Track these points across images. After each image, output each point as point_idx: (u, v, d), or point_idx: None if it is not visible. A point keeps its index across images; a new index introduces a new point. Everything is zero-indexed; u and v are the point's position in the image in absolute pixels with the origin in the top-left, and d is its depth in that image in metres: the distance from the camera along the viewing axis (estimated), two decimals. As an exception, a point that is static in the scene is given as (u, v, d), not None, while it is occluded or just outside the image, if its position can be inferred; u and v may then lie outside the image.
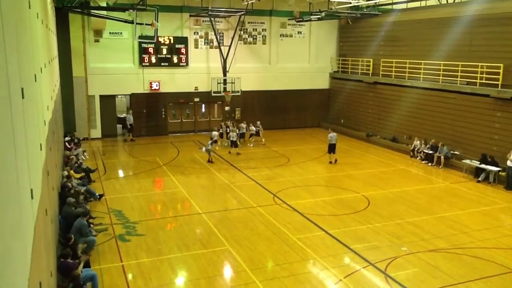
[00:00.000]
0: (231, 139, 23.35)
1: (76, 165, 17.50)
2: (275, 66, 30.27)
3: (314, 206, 15.89)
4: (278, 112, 30.45)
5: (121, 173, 20.43)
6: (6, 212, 3.24)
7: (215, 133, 23.53)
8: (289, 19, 29.62)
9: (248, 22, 28.99)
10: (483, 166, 19.25)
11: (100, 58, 25.94)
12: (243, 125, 25.73)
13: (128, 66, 26.83)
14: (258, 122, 26.00)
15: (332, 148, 21.78)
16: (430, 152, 21.98)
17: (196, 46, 28.22)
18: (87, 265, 10.38)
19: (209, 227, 13.94)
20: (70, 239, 10.38)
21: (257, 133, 25.69)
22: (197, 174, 20.10)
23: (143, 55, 26.74)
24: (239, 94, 27.80)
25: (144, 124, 27.63)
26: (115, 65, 26.33)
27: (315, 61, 31.31)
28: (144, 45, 26.39)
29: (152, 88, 27.30)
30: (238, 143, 23.72)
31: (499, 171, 18.79)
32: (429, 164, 21.90)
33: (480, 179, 19.15)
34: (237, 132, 24.10)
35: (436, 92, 22.93)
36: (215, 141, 23.48)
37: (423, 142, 22.79)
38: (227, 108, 29.26)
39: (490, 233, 13.67)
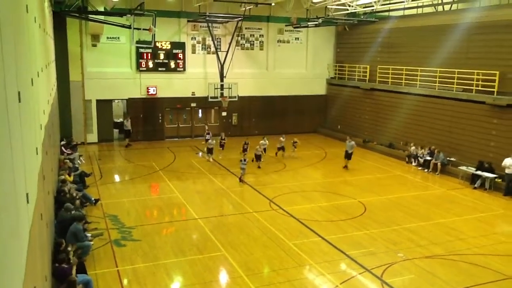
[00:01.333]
0: (256, 153, 21.82)
1: (70, 169, 17.39)
2: (272, 71, 30.34)
3: (310, 212, 15.87)
4: (275, 118, 30.45)
5: (117, 178, 20.37)
6: (2, 216, 3.22)
7: (211, 141, 23.19)
8: (286, 25, 29.73)
9: (246, 28, 29.08)
10: (479, 172, 19.31)
11: (97, 63, 25.93)
12: (265, 141, 23.41)
13: (125, 70, 26.83)
14: (296, 139, 24.46)
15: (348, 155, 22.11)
16: (429, 158, 22.02)
17: (194, 52, 28.26)
18: (83, 270, 10.32)
19: (205, 232, 13.89)
20: (61, 244, 10.32)
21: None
22: (194, 179, 20.06)
23: (140, 60, 26.76)
24: (236, 99, 27.81)
25: (141, 129, 27.59)
26: (112, 70, 26.33)
27: (312, 67, 31.41)
28: (141, 50, 26.44)
29: (149, 93, 27.30)
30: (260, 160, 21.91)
31: (495, 177, 18.85)
32: (426, 170, 21.94)
33: (476, 185, 19.20)
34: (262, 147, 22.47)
35: (432, 99, 23.02)
36: (210, 150, 23.02)
37: (420, 147, 22.85)
38: (224, 114, 29.31)
39: (486, 240, 13.69)
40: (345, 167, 22.08)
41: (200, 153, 24.89)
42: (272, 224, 14.55)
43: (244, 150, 22.49)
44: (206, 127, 26.66)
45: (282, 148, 23.81)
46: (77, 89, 25.42)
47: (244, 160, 19.76)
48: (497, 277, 11.28)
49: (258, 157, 21.85)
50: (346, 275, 11.28)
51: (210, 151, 23.10)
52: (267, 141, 23.61)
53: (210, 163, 22.69)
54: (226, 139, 24.29)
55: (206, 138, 25.15)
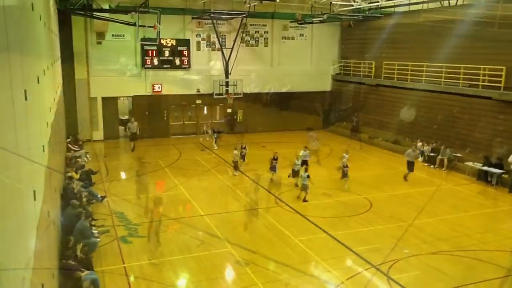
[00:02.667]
0: (295, 168, 17.85)
1: (80, 167, 17.51)
2: (277, 68, 30.29)
3: (316, 208, 15.86)
4: (279, 114, 30.44)
5: (123, 175, 20.44)
6: (10, 213, 3.24)
7: (236, 152, 20.16)
8: (291, 22, 29.65)
9: (250, 25, 29.02)
10: (485, 168, 19.21)
11: (102, 60, 25.98)
12: (306, 153, 19.05)
13: (130, 68, 26.89)
14: (347, 156, 18.73)
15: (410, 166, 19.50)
16: (432, 154, 21.93)
17: (198, 49, 28.28)
18: (89, 267, 10.37)
19: (210, 229, 13.93)
20: (69, 241, 10.37)
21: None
22: (199, 176, 20.09)
23: (146, 57, 26.80)
24: (241, 96, 27.81)
25: (146, 126, 27.64)
26: (117, 67, 26.40)
27: (317, 64, 31.32)
28: (146, 47, 26.46)
29: (154, 90, 27.35)
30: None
31: (502, 173, 18.74)
32: (432, 166, 21.87)
33: (491, 180, 19.08)
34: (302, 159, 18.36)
35: (438, 95, 22.91)
36: (236, 163, 19.83)
37: (425, 143, 22.78)
38: (229, 110, 29.32)
39: (492, 236, 13.63)
40: (405, 178, 19.40)
41: (216, 147, 24.95)
42: (278, 221, 14.56)
43: (272, 168, 18.35)
44: (205, 125, 26.66)
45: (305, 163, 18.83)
46: (82, 87, 25.53)
47: (307, 175, 16.25)
48: (503, 273, 11.23)
49: (297, 173, 17.73)
50: (352, 271, 11.28)
51: (236, 164, 19.96)
52: (308, 152, 19.23)
53: (216, 160, 22.70)
54: (247, 149, 20.73)
55: (215, 136, 25.26)
